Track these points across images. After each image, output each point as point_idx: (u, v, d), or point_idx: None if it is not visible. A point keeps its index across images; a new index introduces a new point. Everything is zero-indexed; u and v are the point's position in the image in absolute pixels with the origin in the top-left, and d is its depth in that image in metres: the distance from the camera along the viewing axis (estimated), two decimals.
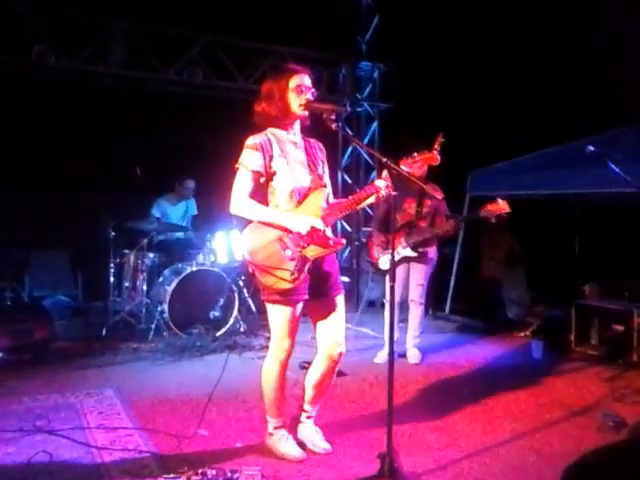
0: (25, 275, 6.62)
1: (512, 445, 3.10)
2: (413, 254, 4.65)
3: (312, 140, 3.02)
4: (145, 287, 5.70)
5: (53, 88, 6.48)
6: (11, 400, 3.64)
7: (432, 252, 4.78)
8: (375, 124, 8.11)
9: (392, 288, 2.71)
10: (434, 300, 6.53)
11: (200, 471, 2.46)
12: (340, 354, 2.90)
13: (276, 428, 2.94)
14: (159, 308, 5.38)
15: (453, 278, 7.10)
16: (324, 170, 3.00)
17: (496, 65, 7.15)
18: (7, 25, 5.80)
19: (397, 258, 4.63)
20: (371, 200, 2.87)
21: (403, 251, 4.65)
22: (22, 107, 6.39)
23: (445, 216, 4.72)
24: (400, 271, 4.69)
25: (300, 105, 2.79)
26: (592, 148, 3.65)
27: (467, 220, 5.12)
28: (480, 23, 7.18)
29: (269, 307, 2.82)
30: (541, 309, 6.16)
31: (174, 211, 6.47)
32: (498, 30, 7.05)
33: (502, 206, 4.29)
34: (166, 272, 5.72)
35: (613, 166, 3.67)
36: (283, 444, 2.90)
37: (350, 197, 2.87)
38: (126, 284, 5.93)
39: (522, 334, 5.84)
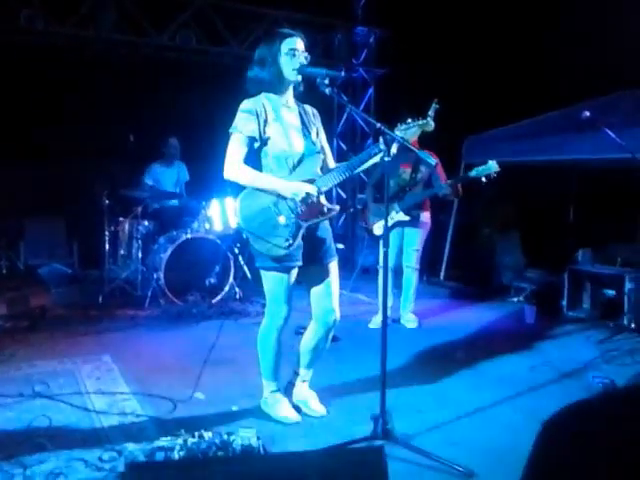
0: (20, 244, 6.62)
1: (503, 406, 3.16)
2: (406, 218, 4.66)
3: (306, 106, 2.99)
4: (140, 255, 5.72)
5: (44, 54, 6.36)
6: (9, 366, 3.68)
7: (426, 217, 4.80)
8: (371, 90, 8.02)
9: (385, 253, 2.72)
10: (429, 266, 6.57)
11: (197, 434, 2.50)
12: (334, 320, 2.93)
13: (272, 392, 2.99)
14: (155, 275, 5.40)
15: (448, 244, 7.13)
16: (320, 136, 2.97)
17: (493, 29, 7.03)
18: None
19: (390, 223, 4.65)
20: (367, 165, 2.85)
21: (396, 215, 4.66)
22: (14, 74, 6.27)
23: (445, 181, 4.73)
24: (394, 237, 4.71)
25: (293, 69, 2.75)
26: (588, 113, 3.64)
27: (457, 181, 5.05)
28: None
29: (263, 274, 2.83)
30: (535, 274, 6.22)
31: (166, 177, 6.42)
32: None
33: (491, 165, 4.30)
34: (161, 240, 5.72)
35: (608, 131, 3.66)
36: (279, 407, 2.95)
37: (346, 162, 2.86)
38: (121, 252, 5.95)
39: (515, 299, 5.91)
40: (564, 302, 5.33)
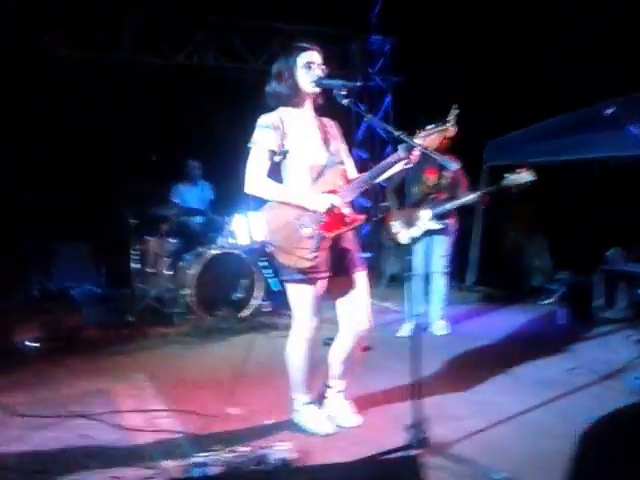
0: (51, 267, 6.76)
1: (540, 412, 3.10)
2: (436, 226, 4.62)
3: (325, 118, 3.00)
4: (168, 272, 5.78)
5: (67, 78, 6.51)
6: (48, 388, 3.74)
7: (452, 223, 4.76)
8: (388, 97, 8.03)
9: (411, 261, 2.71)
10: (456, 272, 6.50)
11: (232, 449, 2.52)
12: (364, 330, 2.92)
13: (304, 404, 2.98)
14: (183, 292, 5.46)
15: (474, 249, 7.06)
16: (340, 147, 2.98)
17: (511, 31, 6.98)
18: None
19: (421, 231, 4.63)
20: (389, 174, 2.85)
21: (426, 224, 4.62)
22: (41, 106, 6.44)
23: (466, 187, 4.69)
24: (422, 244, 4.68)
25: (310, 82, 2.77)
26: (610, 110, 3.57)
27: (490, 191, 4.91)
28: None
29: (289, 287, 2.83)
30: (565, 276, 6.12)
31: (191, 195, 6.53)
32: None
33: (524, 175, 4.21)
34: (188, 256, 5.78)
35: (632, 129, 3.59)
36: (312, 420, 2.95)
37: (368, 172, 2.86)
38: (149, 270, 6.02)
39: (547, 302, 5.81)
40: (598, 303, 5.22)
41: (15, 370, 4.06)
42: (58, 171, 6.69)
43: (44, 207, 6.60)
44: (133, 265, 5.81)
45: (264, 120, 2.81)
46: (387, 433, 2.82)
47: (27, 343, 4.35)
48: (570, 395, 3.32)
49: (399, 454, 2.54)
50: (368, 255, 7.32)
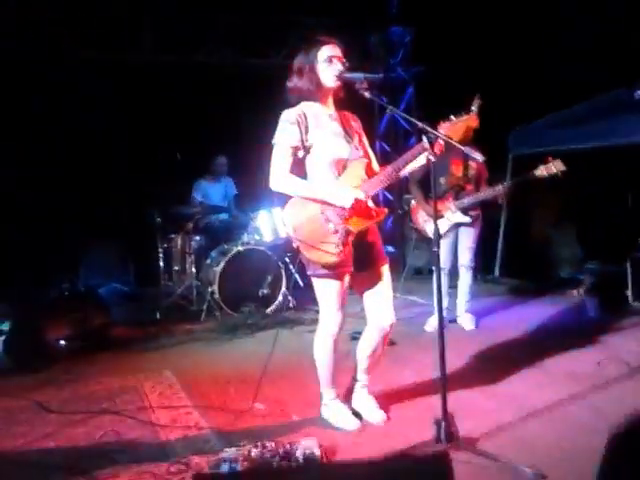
0: (79, 266, 6.87)
1: (570, 405, 3.05)
2: (465, 219, 4.56)
3: (347, 112, 2.98)
4: (194, 269, 5.84)
5: (92, 77, 6.59)
6: (78, 384, 3.82)
7: (479, 215, 4.70)
8: (410, 88, 7.96)
9: (436, 254, 2.68)
10: (482, 263, 6.43)
11: (259, 444, 2.53)
12: (391, 325, 2.90)
13: (331, 399, 2.98)
14: (209, 289, 5.50)
15: (501, 239, 6.97)
16: (362, 141, 2.96)
17: (533, 17, 6.84)
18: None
19: (449, 224, 4.57)
20: (413, 166, 2.82)
21: (453, 216, 4.56)
22: (62, 97, 6.52)
23: (486, 180, 4.62)
24: (448, 237, 4.63)
25: (331, 76, 2.75)
26: None
27: (520, 180, 4.55)
28: None
29: (316, 282, 2.83)
30: (594, 266, 6.00)
31: (214, 192, 6.57)
32: None
33: (556, 165, 4.10)
34: (213, 253, 5.83)
35: None
36: (339, 415, 2.94)
37: (393, 164, 2.83)
38: (175, 268, 6.09)
39: (576, 292, 5.71)
40: (628, 292, 5.11)
41: (46, 368, 4.15)
42: (89, 171, 6.79)
43: (73, 206, 6.71)
44: (160, 263, 5.88)
45: (286, 116, 2.80)
46: (415, 428, 2.81)
47: (57, 341, 4.43)
48: (601, 388, 3.25)
49: (427, 449, 2.52)
50: (391, 248, 7.28)
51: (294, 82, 2.84)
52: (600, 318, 4.83)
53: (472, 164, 4.57)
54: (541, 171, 4.12)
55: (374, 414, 2.99)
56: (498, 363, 3.82)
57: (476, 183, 4.64)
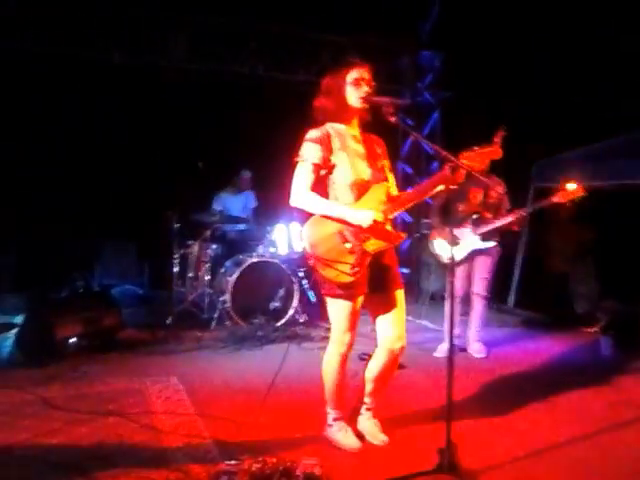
0: (95, 265, 6.94)
1: (578, 446, 2.98)
2: (482, 246, 4.55)
3: (371, 134, 3.00)
4: (208, 277, 5.86)
5: (118, 85, 6.71)
6: (83, 383, 3.84)
7: (496, 244, 4.67)
8: (436, 114, 7.97)
9: (451, 283, 2.66)
10: (497, 292, 6.37)
11: (260, 459, 2.51)
12: (401, 348, 2.89)
13: (335, 419, 2.96)
14: (221, 298, 5.52)
15: (518, 270, 6.90)
16: (385, 164, 2.97)
17: (561, 50, 6.84)
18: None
19: (466, 251, 4.55)
20: (434, 191, 2.82)
21: (470, 242, 4.55)
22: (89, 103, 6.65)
23: (507, 211, 4.59)
24: (464, 264, 4.61)
25: (358, 98, 2.77)
26: None
27: (537, 209, 4.52)
28: (543, 9, 6.87)
29: (329, 301, 2.82)
30: (611, 304, 5.90)
31: (234, 203, 6.61)
32: (561, 16, 6.73)
33: (575, 191, 4.07)
34: (227, 263, 5.85)
35: None
36: (342, 435, 2.92)
37: (414, 188, 2.84)
38: (189, 274, 6.12)
39: (591, 330, 5.62)
40: None
41: (54, 364, 4.18)
42: (110, 171, 6.88)
43: (92, 206, 6.79)
44: (174, 268, 5.91)
45: (311, 134, 2.82)
46: (417, 455, 2.78)
47: (67, 338, 4.46)
48: (612, 431, 3.19)
49: (428, 478, 2.49)
50: (406, 271, 7.25)
51: (321, 101, 2.86)
52: (614, 358, 4.74)
53: (492, 193, 4.56)
54: (559, 197, 4.07)
55: (377, 437, 2.96)
56: (507, 395, 3.76)
57: (495, 212, 4.62)
